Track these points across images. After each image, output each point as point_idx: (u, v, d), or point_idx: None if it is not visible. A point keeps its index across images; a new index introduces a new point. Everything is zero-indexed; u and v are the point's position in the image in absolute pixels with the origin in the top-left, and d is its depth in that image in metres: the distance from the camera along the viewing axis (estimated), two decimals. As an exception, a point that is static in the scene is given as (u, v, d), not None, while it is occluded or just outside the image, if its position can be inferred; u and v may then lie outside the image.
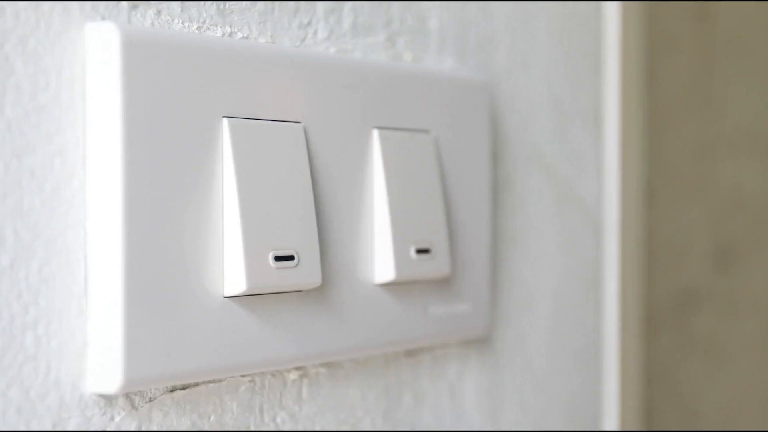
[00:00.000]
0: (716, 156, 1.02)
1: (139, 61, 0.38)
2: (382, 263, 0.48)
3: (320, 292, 0.45)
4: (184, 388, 0.42)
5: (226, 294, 0.41)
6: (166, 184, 0.39)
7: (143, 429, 0.40)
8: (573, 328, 0.66)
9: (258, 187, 0.42)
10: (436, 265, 0.50)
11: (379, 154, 0.48)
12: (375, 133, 0.47)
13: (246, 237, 0.41)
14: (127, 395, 0.39)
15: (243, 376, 0.44)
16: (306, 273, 0.43)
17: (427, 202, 0.50)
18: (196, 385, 0.42)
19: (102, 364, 0.38)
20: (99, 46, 0.38)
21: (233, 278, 0.41)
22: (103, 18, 0.38)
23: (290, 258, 0.43)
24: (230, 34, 0.43)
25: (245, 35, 0.44)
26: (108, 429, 0.39)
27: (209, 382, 0.43)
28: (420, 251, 0.49)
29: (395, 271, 0.48)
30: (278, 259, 0.42)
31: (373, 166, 0.48)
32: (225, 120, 0.41)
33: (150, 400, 0.40)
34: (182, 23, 0.41)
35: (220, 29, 0.43)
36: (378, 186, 0.48)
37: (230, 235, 0.41)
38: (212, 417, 0.43)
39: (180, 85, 0.39)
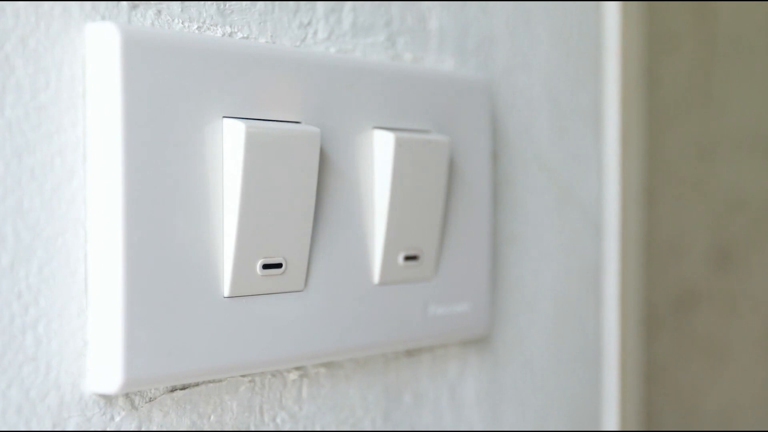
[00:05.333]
0: (716, 156, 1.02)
1: (139, 61, 0.38)
2: (370, 266, 0.48)
3: (320, 292, 0.45)
4: (184, 388, 0.42)
5: (227, 294, 0.41)
6: (166, 183, 0.39)
7: (143, 429, 0.40)
8: (573, 328, 0.66)
9: (260, 193, 0.42)
10: (422, 272, 0.50)
11: (390, 158, 0.47)
12: (391, 138, 0.47)
13: (239, 243, 0.41)
14: (127, 395, 0.39)
15: (243, 376, 0.44)
16: (290, 280, 0.43)
17: (427, 208, 0.50)
18: (196, 385, 0.42)
19: (102, 364, 0.38)
20: (99, 46, 0.38)
21: (225, 281, 0.41)
22: (103, 18, 0.38)
23: (278, 266, 0.43)
24: (230, 34, 0.43)
25: (245, 35, 0.44)
26: (108, 429, 0.39)
27: (209, 382, 0.43)
28: (408, 258, 0.49)
29: (379, 277, 0.48)
30: (266, 266, 0.42)
31: (373, 167, 0.48)
32: (229, 121, 0.41)
33: (150, 400, 0.40)
34: (182, 23, 0.41)
35: (220, 29, 0.43)
36: (381, 189, 0.48)
37: (227, 238, 0.41)
38: (212, 417, 0.43)
39: (180, 85, 0.39)
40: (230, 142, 0.41)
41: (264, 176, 0.42)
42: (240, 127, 0.41)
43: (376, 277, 0.48)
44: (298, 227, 0.44)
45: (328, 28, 0.48)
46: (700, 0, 1.02)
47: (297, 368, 0.46)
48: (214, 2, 0.42)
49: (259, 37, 0.44)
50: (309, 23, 0.47)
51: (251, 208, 0.41)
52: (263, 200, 0.42)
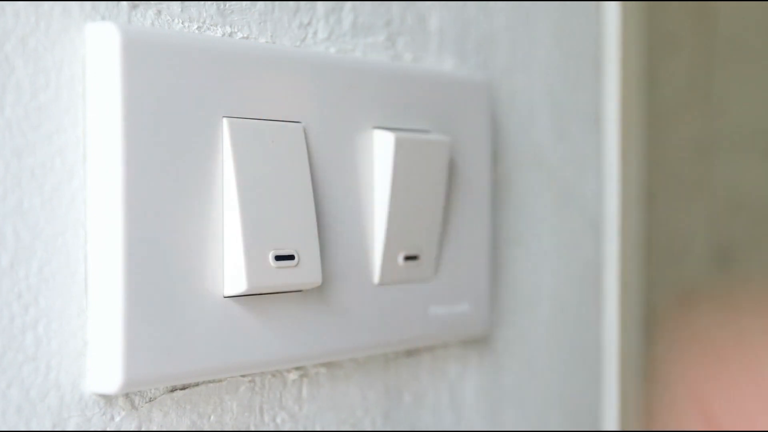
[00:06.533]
0: (716, 156, 1.02)
1: (139, 61, 0.38)
2: (370, 266, 0.48)
3: (320, 292, 0.45)
4: (184, 388, 0.42)
5: (227, 294, 0.41)
6: (166, 183, 0.39)
7: (143, 429, 0.40)
8: (573, 328, 0.66)
9: (258, 187, 0.42)
10: (422, 272, 0.50)
11: (391, 159, 0.47)
12: (391, 138, 0.47)
13: (246, 236, 0.41)
14: (127, 395, 0.39)
15: (243, 376, 0.44)
16: (306, 272, 0.43)
17: (427, 208, 0.50)
18: (196, 385, 0.42)
19: (102, 364, 0.38)
20: (99, 46, 0.38)
21: (234, 278, 0.41)
22: (103, 18, 0.38)
23: (290, 257, 0.43)
24: (230, 34, 0.43)
25: (245, 35, 0.44)
26: (108, 429, 0.39)
27: (209, 382, 0.43)
28: (408, 257, 0.49)
29: (379, 277, 0.48)
30: (278, 258, 0.42)
31: (373, 167, 0.48)
32: (225, 120, 0.41)
33: (150, 400, 0.40)
34: (182, 23, 0.41)
35: (220, 29, 0.43)
36: (381, 189, 0.48)
37: (230, 235, 0.41)
38: (212, 417, 0.43)
39: (180, 85, 0.39)
40: (229, 142, 0.41)
41: (257, 174, 0.42)
42: (224, 123, 0.41)
43: (376, 277, 0.48)
44: (304, 220, 0.43)
45: (328, 28, 0.48)
46: (700, 0, 1.02)
47: (297, 368, 0.46)
48: (214, 2, 0.42)
49: (259, 37, 0.44)
50: (309, 23, 0.47)
51: (251, 208, 0.41)
52: (262, 199, 0.42)
